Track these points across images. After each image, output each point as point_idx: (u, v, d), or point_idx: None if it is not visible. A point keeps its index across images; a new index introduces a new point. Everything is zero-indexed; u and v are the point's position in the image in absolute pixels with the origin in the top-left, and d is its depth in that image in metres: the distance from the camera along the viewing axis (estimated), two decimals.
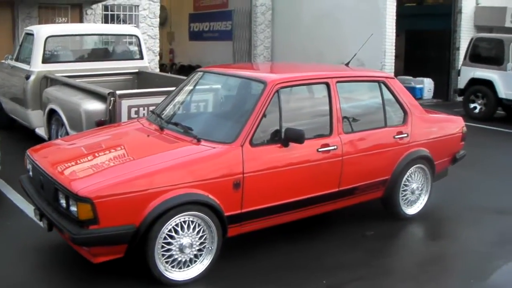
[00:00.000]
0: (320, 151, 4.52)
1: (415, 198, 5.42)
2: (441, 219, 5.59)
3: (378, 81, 5.14)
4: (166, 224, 3.79)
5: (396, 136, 5.08)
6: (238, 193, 4.07)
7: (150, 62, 13.12)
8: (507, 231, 5.27)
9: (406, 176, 5.23)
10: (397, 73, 14.12)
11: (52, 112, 6.84)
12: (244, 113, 4.32)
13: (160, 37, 13.77)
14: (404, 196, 5.29)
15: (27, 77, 7.56)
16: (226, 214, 4.04)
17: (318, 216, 4.87)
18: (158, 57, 14.05)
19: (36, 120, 7.51)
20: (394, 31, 12.55)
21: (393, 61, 12.70)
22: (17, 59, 8.18)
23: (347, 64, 5.57)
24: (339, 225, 5.19)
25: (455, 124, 5.76)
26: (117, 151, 4.25)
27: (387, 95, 5.14)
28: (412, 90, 13.96)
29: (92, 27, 8.47)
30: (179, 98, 5.06)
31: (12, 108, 8.28)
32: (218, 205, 3.97)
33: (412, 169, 5.26)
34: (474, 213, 5.70)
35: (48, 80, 7.46)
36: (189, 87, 5.12)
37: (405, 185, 5.27)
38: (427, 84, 14.11)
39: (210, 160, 4.03)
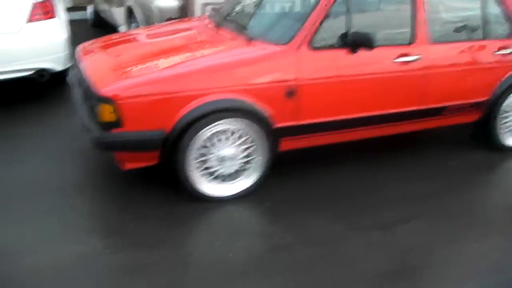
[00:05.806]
0: (396, 62, 3.78)
1: None
2: None
3: None
4: (202, 131, 3.34)
5: (498, 52, 4.17)
6: (292, 102, 3.50)
7: None
8: None
9: (509, 99, 4.35)
10: None
11: (131, 10, 6.55)
12: (306, 11, 3.66)
13: None
14: (505, 123, 4.43)
15: None
16: (278, 125, 3.51)
17: (398, 140, 4.22)
18: None
19: (120, 17, 7.28)
20: None
21: None
22: None
23: None
24: (420, 152, 4.46)
25: None
26: (159, 50, 3.79)
27: (489, 1, 4.19)
28: None
29: None
30: None
31: (102, 7, 8.11)
32: (266, 115, 3.44)
33: None
34: None
35: None
36: None
37: (507, 111, 4.40)
38: None
39: (257, 62, 3.47)
